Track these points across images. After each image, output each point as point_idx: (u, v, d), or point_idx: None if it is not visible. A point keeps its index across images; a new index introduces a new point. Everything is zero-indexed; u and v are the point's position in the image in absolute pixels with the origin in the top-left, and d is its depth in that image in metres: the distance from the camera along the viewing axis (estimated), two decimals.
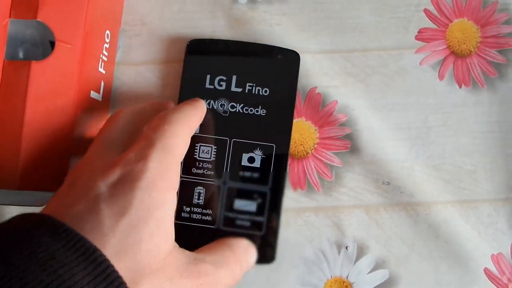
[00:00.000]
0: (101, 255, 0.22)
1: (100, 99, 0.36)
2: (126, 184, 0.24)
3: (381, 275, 0.38)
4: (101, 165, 0.26)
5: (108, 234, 0.23)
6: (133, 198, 0.24)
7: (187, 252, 0.27)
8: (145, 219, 0.24)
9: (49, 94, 0.31)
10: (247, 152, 0.37)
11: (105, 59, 0.36)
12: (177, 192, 0.27)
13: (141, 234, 0.23)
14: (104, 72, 0.36)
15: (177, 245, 0.27)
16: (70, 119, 0.31)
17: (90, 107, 0.34)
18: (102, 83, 0.36)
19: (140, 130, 0.28)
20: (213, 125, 0.37)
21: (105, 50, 0.36)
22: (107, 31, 0.36)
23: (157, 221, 0.24)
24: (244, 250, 0.31)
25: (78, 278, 0.21)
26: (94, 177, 0.25)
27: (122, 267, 0.22)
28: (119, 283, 0.21)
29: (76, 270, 0.21)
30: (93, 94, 0.34)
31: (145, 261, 0.23)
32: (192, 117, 0.30)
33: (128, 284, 0.22)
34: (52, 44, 0.31)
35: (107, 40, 0.36)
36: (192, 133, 0.30)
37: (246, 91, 0.37)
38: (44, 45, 0.33)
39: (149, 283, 0.24)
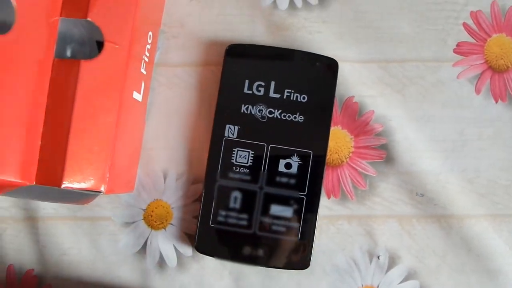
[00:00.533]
0: None
1: (140, 99, 0.36)
2: None
3: (411, 286, 0.38)
4: None
5: None
6: None
7: None
8: None
9: (96, 93, 0.31)
10: (284, 158, 0.37)
11: (147, 60, 0.36)
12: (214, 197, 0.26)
13: None
14: (145, 72, 0.36)
15: None
16: (114, 119, 0.31)
17: (131, 108, 0.34)
18: (143, 84, 0.36)
19: None
20: (250, 130, 0.37)
21: (147, 51, 0.36)
22: (150, 32, 0.36)
23: None
24: None
25: None
26: None
27: None
28: None
29: None
30: (135, 95, 0.34)
31: None
32: None
33: None
34: (99, 44, 0.31)
35: (149, 41, 0.36)
36: None
37: (284, 97, 0.37)
38: (91, 45, 0.33)
39: None
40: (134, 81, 0.34)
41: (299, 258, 0.36)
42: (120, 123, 0.32)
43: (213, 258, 0.37)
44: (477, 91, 0.39)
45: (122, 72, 0.32)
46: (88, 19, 0.31)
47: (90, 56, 0.31)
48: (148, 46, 0.36)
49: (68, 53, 0.33)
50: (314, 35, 0.39)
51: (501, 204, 0.38)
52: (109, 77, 0.31)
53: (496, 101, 0.39)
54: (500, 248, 0.38)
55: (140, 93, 0.36)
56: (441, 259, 0.38)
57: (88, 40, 0.33)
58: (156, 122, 0.39)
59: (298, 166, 0.37)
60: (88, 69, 0.30)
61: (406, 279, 0.38)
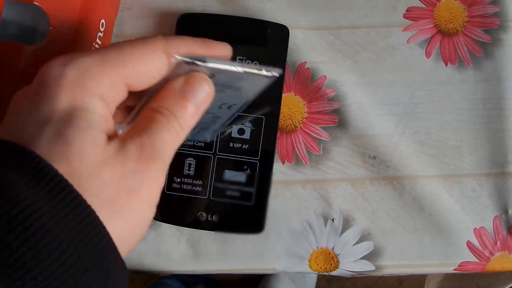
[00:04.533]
0: (34, 154, 0.20)
1: None
2: (40, 90, 0.22)
3: (366, 247, 0.39)
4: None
5: (33, 142, 0.21)
6: (54, 104, 0.22)
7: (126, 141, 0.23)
8: (69, 122, 0.21)
9: None
10: (237, 124, 0.37)
11: (97, 47, 0.36)
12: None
13: (69, 138, 0.21)
14: (99, 42, 0.36)
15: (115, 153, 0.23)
16: None
17: None
18: None
19: None
20: None
21: (99, 39, 0.36)
22: (102, 20, 0.36)
23: (84, 122, 0.22)
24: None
25: (13, 178, 0.19)
26: (19, 98, 0.23)
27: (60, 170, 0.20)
28: (61, 184, 0.20)
29: (13, 175, 0.19)
30: None
31: (81, 163, 0.21)
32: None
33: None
34: (46, 29, 0.31)
35: (102, 29, 0.36)
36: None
37: None
38: (37, 30, 0.33)
39: (99, 185, 0.21)
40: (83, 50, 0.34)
41: (254, 223, 0.37)
42: None
43: (170, 225, 0.38)
44: (427, 55, 0.40)
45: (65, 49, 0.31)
46: (35, 3, 0.31)
47: (35, 41, 0.31)
48: (100, 34, 0.36)
49: (13, 37, 0.33)
50: (265, 4, 0.40)
51: (452, 164, 0.39)
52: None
53: (446, 64, 0.40)
54: (452, 207, 0.39)
55: None
56: (394, 219, 0.39)
57: (34, 25, 0.33)
58: None
59: (251, 131, 0.37)
60: (31, 53, 0.30)
61: (360, 240, 0.39)
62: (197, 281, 1.09)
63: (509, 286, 0.44)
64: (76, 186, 0.20)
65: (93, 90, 0.22)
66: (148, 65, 0.24)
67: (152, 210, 0.24)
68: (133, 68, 0.24)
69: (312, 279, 1.16)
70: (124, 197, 0.22)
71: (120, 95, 0.24)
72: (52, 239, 0.18)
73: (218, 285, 1.23)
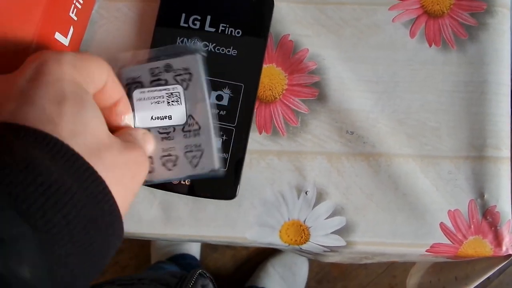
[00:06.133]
0: (54, 138, 0.22)
1: (67, 44, 0.36)
2: (46, 73, 0.24)
3: (338, 222, 0.39)
4: (10, 73, 0.26)
5: (55, 118, 0.23)
6: (62, 85, 0.24)
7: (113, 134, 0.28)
8: (82, 103, 0.25)
9: (8, 19, 0.31)
10: (216, 90, 0.37)
11: (79, 6, 0.36)
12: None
13: (87, 116, 0.24)
14: (75, 18, 0.36)
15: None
16: (28, 52, 0.32)
17: (52, 48, 0.34)
18: (72, 29, 0.36)
19: None
20: None
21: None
22: None
23: (92, 105, 0.26)
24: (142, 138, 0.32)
25: (36, 155, 0.21)
26: (9, 80, 0.25)
27: (76, 148, 0.23)
28: (81, 162, 0.23)
29: (34, 152, 0.21)
30: (58, 36, 0.34)
31: (94, 140, 0.24)
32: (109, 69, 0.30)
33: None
34: None
35: None
36: (100, 77, 0.29)
37: (219, 31, 0.38)
38: None
39: (107, 158, 0.25)
40: (58, 21, 0.34)
41: (226, 189, 0.37)
42: None
43: (143, 187, 0.38)
44: (412, 34, 0.40)
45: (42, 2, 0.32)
46: None
47: None
48: None
49: None
50: None
51: (429, 145, 0.39)
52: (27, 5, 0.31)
53: (430, 45, 0.40)
54: (426, 188, 0.39)
55: (66, 37, 0.36)
56: (368, 196, 0.39)
57: None
58: (97, 54, 0.40)
59: (229, 98, 0.37)
60: None
61: (332, 214, 0.39)
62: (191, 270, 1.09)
63: (486, 277, 0.43)
64: (91, 160, 0.23)
65: (84, 76, 0.26)
66: (102, 75, 0.28)
67: (139, 186, 0.28)
68: (97, 70, 0.28)
69: (302, 277, 1.15)
70: (123, 169, 0.26)
71: (92, 87, 0.27)
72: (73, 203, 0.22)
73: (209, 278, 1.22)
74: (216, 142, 0.33)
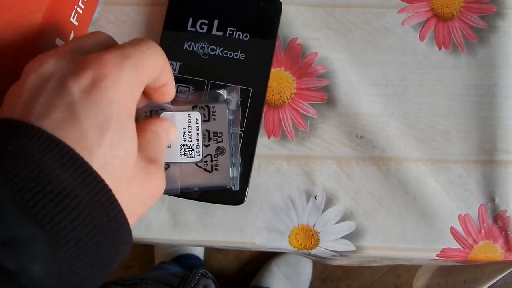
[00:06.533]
0: (88, 165, 0.23)
1: None
2: (101, 91, 0.24)
3: (347, 227, 0.38)
4: (69, 64, 0.25)
5: (93, 147, 0.23)
6: (111, 110, 0.24)
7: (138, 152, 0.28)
8: (123, 132, 0.24)
9: (9, 26, 0.30)
10: (224, 95, 0.37)
11: (80, 11, 0.36)
12: None
13: (123, 148, 0.24)
14: (76, 23, 0.36)
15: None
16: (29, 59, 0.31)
17: None
18: (72, 34, 0.36)
19: None
20: (192, 67, 0.37)
21: (81, 3, 0.36)
22: None
23: (131, 133, 0.25)
24: (166, 132, 0.31)
25: (48, 163, 0.22)
26: (65, 78, 0.24)
27: (106, 178, 0.23)
28: (109, 195, 0.23)
29: (64, 176, 0.22)
30: (58, 42, 0.34)
31: (125, 172, 0.24)
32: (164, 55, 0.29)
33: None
34: None
35: None
36: (157, 71, 0.28)
37: (227, 35, 0.38)
38: None
39: (126, 191, 0.25)
40: (59, 27, 0.34)
41: (235, 194, 0.37)
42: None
43: None
44: (421, 38, 0.39)
45: (44, 8, 0.31)
46: None
47: None
48: None
49: None
50: None
51: (440, 149, 0.39)
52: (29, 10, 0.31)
53: (440, 49, 0.39)
54: (437, 192, 0.38)
55: None
56: (377, 201, 0.38)
57: None
58: None
59: (237, 102, 0.37)
60: None
61: (342, 219, 0.38)
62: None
63: (495, 281, 0.43)
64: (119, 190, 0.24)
65: (135, 93, 0.26)
66: (155, 71, 0.27)
67: (154, 200, 0.28)
68: (151, 70, 0.27)
69: (306, 277, 1.15)
70: (136, 202, 0.26)
71: (140, 94, 0.27)
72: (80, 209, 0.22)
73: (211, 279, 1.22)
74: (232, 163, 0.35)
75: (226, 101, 0.35)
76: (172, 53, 0.37)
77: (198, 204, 0.38)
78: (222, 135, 0.35)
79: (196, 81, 0.37)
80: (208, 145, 0.35)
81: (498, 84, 0.39)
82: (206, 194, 0.37)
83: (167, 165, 0.34)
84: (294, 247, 0.38)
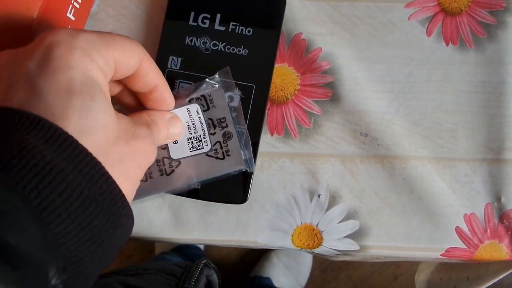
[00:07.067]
0: (67, 135, 0.22)
1: None
2: (55, 58, 0.23)
3: (351, 226, 0.38)
4: (25, 49, 0.25)
5: (64, 114, 0.23)
6: (72, 74, 0.23)
7: (125, 117, 0.27)
8: (93, 94, 0.24)
9: (4, 21, 0.30)
10: (226, 91, 0.36)
11: (77, 5, 0.35)
12: None
13: (98, 108, 0.24)
14: (73, 18, 0.35)
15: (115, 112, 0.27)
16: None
17: None
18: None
19: None
20: (194, 62, 0.37)
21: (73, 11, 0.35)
22: None
23: (101, 97, 0.24)
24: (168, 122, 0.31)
25: (30, 140, 0.21)
26: (19, 59, 0.24)
27: (86, 144, 0.23)
28: (98, 167, 0.23)
29: (28, 138, 0.21)
30: None
31: (102, 136, 0.24)
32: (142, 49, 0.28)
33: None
34: None
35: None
36: (129, 57, 0.27)
37: (230, 30, 0.37)
38: None
39: (113, 151, 0.24)
40: (55, 22, 0.33)
41: (237, 193, 0.36)
42: None
43: None
44: (428, 33, 0.38)
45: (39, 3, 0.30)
46: None
47: None
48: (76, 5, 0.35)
49: None
50: None
51: (446, 147, 0.38)
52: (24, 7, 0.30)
53: (447, 44, 0.38)
54: (442, 191, 0.38)
55: None
56: (382, 200, 0.38)
57: None
58: None
59: (240, 99, 0.36)
60: None
61: (346, 218, 0.38)
62: (195, 261, 1.09)
63: (499, 278, 0.43)
64: (98, 157, 0.23)
65: (99, 63, 0.25)
66: (129, 60, 0.27)
67: (148, 162, 0.28)
68: (123, 56, 0.26)
69: (307, 267, 1.15)
70: (129, 162, 0.26)
71: (110, 74, 0.26)
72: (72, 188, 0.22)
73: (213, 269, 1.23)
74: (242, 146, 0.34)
75: (220, 86, 0.34)
76: (173, 48, 0.37)
77: (200, 202, 0.37)
78: (225, 119, 0.34)
79: (197, 77, 0.36)
80: (214, 132, 0.34)
81: (507, 81, 0.38)
82: (208, 192, 0.36)
83: (178, 162, 0.33)
84: (297, 246, 0.38)
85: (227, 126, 0.34)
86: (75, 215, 0.21)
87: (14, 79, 0.23)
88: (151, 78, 0.28)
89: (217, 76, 0.35)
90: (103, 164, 0.23)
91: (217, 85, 0.34)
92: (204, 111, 0.34)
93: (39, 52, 0.24)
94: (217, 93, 0.34)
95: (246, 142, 0.35)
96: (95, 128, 0.23)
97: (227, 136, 0.34)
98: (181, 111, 0.33)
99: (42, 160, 0.21)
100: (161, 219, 0.38)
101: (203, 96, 0.34)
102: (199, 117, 0.34)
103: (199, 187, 0.36)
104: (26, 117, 0.22)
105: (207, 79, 0.35)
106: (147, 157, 0.28)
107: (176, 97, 0.33)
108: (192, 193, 0.36)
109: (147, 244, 1.16)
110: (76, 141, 0.22)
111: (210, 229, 0.38)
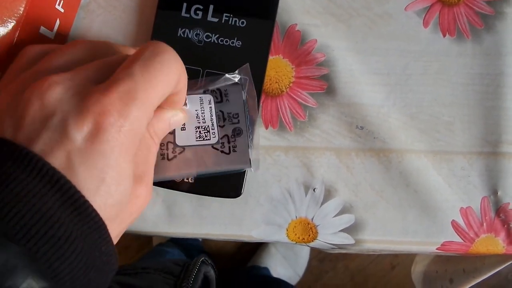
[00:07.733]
0: (88, 204, 0.22)
1: (52, 37, 0.34)
2: (103, 142, 0.23)
3: (346, 220, 0.37)
4: (73, 98, 0.23)
5: (89, 197, 0.23)
6: (110, 159, 0.23)
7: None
8: (120, 178, 0.24)
9: None
10: (243, 89, 0.36)
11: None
12: None
13: (119, 194, 0.24)
14: (62, 10, 0.34)
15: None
16: (11, 46, 0.30)
17: (36, 42, 0.32)
18: (58, 22, 0.34)
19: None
20: (186, 55, 0.36)
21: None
22: None
23: (128, 177, 0.25)
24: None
25: (47, 203, 0.21)
26: (67, 120, 0.23)
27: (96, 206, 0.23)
28: (104, 233, 0.24)
29: (63, 216, 0.22)
30: (43, 30, 0.33)
31: (117, 210, 0.25)
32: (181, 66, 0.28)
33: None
34: None
35: None
36: (170, 89, 0.27)
37: (223, 21, 0.36)
38: None
39: (116, 217, 0.25)
40: (43, 15, 0.32)
41: (231, 187, 0.36)
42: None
43: None
44: (425, 24, 0.38)
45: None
46: None
47: None
48: None
49: None
50: None
51: (443, 140, 0.37)
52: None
53: (444, 36, 0.38)
54: (438, 185, 0.37)
55: (52, 30, 0.34)
56: (378, 193, 0.37)
57: None
58: None
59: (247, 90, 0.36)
60: None
61: (341, 212, 0.37)
62: (193, 252, 1.09)
63: (495, 271, 0.43)
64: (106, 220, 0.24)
65: (143, 129, 0.25)
66: (168, 91, 0.27)
67: (134, 219, 0.28)
68: (166, 94, 0.27)
69: (304, 258, 1.15)
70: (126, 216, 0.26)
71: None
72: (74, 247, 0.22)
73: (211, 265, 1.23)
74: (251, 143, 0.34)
75: (239, 82, 0.34)
76: (165, 40, 0.36)
77: (194, 196, 0.37)
78: (238, 116, 0.34)
79: (191, 69, 0.36)
80: (223, 125, 0.34)
81: (505, 73, 0.37)
82: (202, 186, 0.36)
83: (182, 149, 0.33)
84: (292, 240, 0.38)
85: (238, 122, 0.34)
86: (78, 281, 0.22)
87: (57, 140, 0.23)
88: (180, 86, 0.28)
89: (236, 73, 0.34)
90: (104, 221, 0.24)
91: (236, 80, 0.34)
92: (216, 102, 0.33)
93: (87, 125, 0.23)
94: (234, 89, 0.34)
95: (255, 142, 0.34)
96: (112, 200, 0.24)
97: (236, 132, 0.34)
98: (194, 98, 0.33)
99: (58, 230, 0.21)
100: (155, 213, 0.37)
101: (218, 89, 0.34)
102: (210, 107, 0.33)
103: (193, 181, 0.35)
104: (53, 177, 0.22)
105: (226, 75, 0.34)
106: (141, 208, 0.28)
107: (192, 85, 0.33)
108: (186, 186, 0.35)
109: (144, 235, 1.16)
110: (90, 206, 0.23)
111: (204, 223, 0.37)
